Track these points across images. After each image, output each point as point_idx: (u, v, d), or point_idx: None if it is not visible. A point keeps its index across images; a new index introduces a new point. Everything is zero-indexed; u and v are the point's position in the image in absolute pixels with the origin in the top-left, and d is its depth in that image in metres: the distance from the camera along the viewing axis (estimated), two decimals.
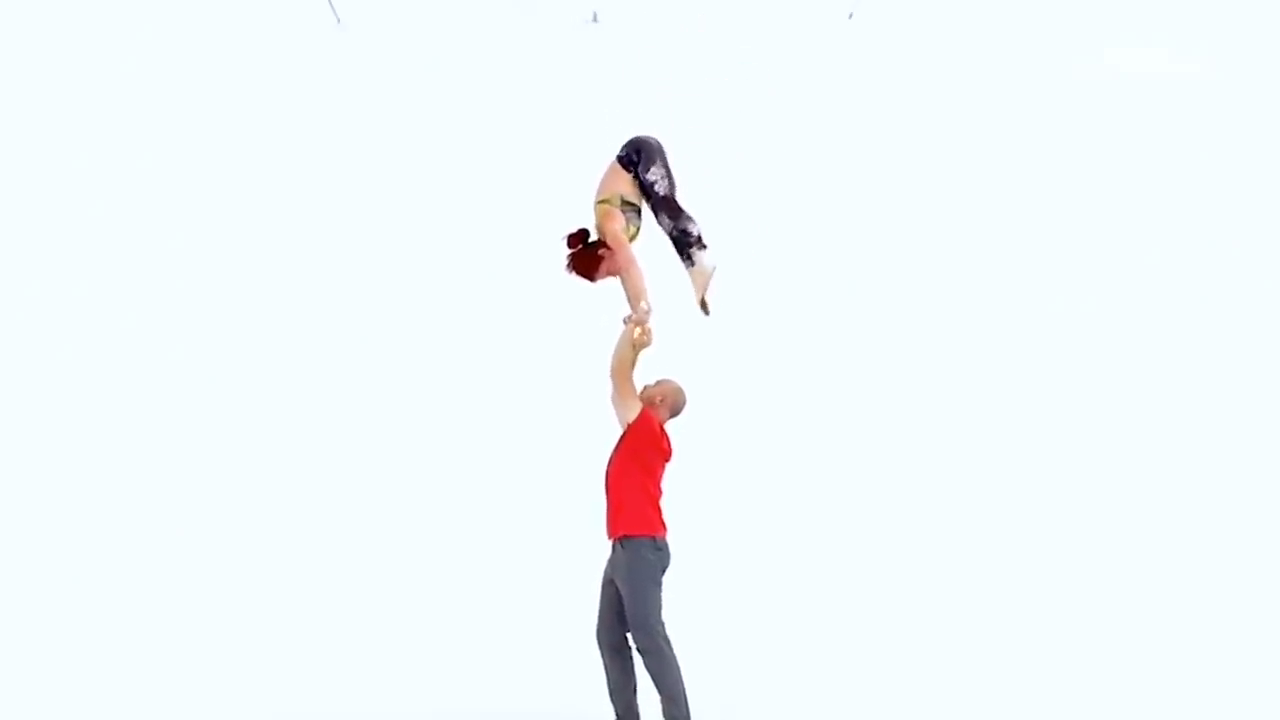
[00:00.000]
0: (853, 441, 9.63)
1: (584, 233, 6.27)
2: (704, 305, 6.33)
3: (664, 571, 5.96)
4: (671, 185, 6.29)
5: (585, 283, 6.29)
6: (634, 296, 6.09)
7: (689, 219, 6.27)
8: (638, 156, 6.29)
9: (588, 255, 6.24)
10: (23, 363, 9.62)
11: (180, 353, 9.76)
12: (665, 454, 6.09)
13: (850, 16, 10.61)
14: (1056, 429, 9.75)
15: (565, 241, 6.29)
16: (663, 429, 6.11)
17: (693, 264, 6.25)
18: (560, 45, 10.41)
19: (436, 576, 8.70)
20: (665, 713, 5.86)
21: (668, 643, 5.86)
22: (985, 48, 10.62)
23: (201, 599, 8.45)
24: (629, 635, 5.98)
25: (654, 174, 6.25)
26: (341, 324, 9.85)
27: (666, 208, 6.26)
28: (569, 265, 6.29)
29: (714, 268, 6.26)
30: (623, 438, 6.10)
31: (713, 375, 9.20)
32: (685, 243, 6.25)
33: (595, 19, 10.47)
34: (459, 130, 10.26)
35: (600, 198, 6.29)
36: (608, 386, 6.14)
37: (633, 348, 6.05)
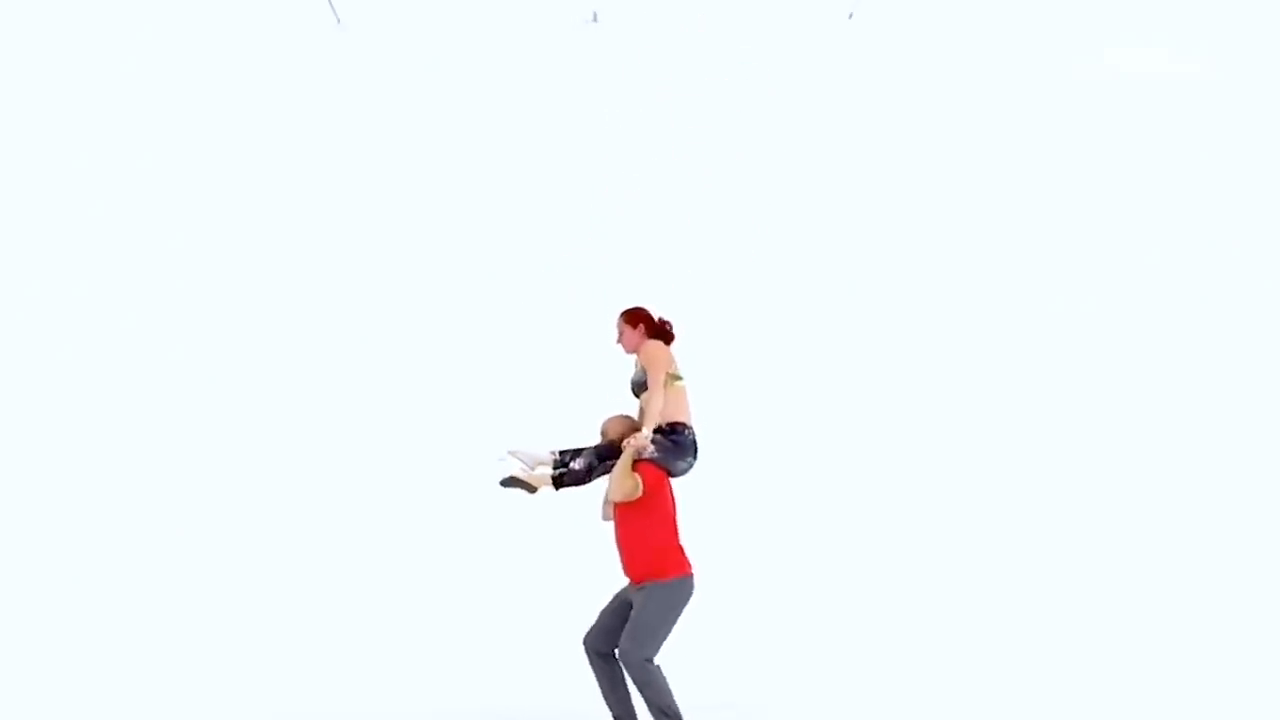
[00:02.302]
0: (853, 442, 9.64)
1: (666, 326, 6.26)
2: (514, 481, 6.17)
3: (685, 606, 5.93)
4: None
5: (618, 332, 6.24)
6: (648, 421, 6.02)
7: (588, 462, 6.09)
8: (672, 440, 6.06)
9: (650, 324, 6.22)
10: (23, 362, 9.62)
11: (180, 353, 9.76)
12: (670, 487, 6.02)
13: (850, 16, 10.60)
14: (1057, 429, 9.75)
15: (646, 313, 6.25)
16: (661, 473, 6.00)
17: (553, 478, 6.08)
18: (560, 45, 10.41)
19: (437, 577, 8.70)
20: (649, 706, 5.85)
21: (651, 662, 5.83)
22: (985, 48, 10.61)
23: (202, 599, 8.45)
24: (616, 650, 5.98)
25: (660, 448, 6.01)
26: (342, 324, 9.85)
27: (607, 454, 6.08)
28: (637, 316, 6.24)
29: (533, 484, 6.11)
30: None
31: (713, 375, 9.19)
32: (567, 462, 6.12)
33: (595, 19, 10.47)
34: (459, 130, 10.25)
35: (663, 375, 6.07)
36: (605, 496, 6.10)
37: (632, 452, 5.94)
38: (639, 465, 5.94)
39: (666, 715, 5.79)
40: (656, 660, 5.84)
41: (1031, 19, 10.66)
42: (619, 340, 6.26)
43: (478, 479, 9.21)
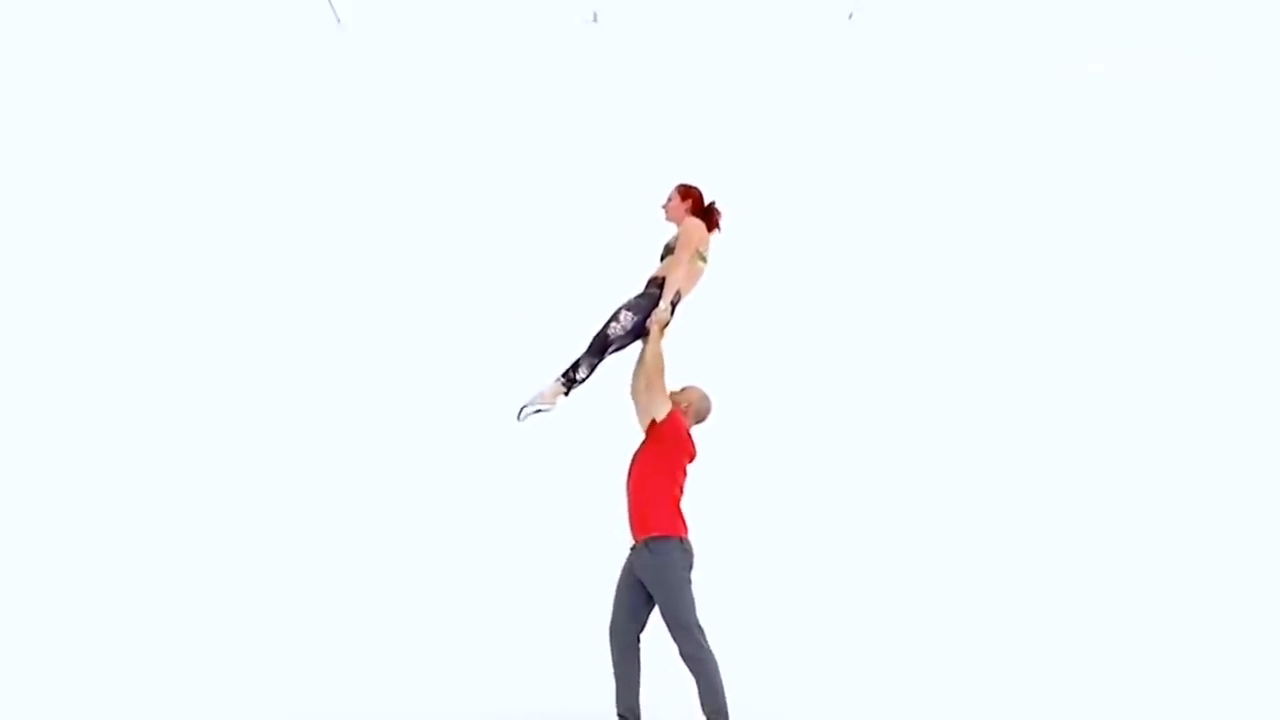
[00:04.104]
0: (853, 443, 9.63)
1: (711, 207, 6.47)
2: (521, 409, 6.16)
3: (690, 569, 5.98)
4: (621, 337, 6.19)
5: (667, 198, 6.46)
6: (667, 292, 6.21)
7: (590, 362, 6.15)
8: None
9: (699, 202, 6.45)
10: (23, 363, 9.61)
11: (182, 354, 9.75)
12: (691, 456, 6.10)
13: (850, 17, 10.61)
14: (1056, 432, 9.75)
15: (699, 192, 6.46)
16: (688, 432, 6.12)
17: (557, 381, 6.12)
18: (560, 45, 10.42)
19: (439, 577, 8.70)
20: (704, 703, 5.87)
21: (706, 640, 5.88)
22: (985, 49, 10.63)
23: (207, 600, 8.44)
24: (641, 635, 6.02)
25: (626, 322, 6.18)
26: (344, 324, 9.85)
27: (601, 343, 6.17)
28: (689, 192, 6.45)
29: (549, 403, 6.12)
30: (648, 439, 6.09)
31: (713, 375, 9.18)
32: (572, 373, 6.13)
33: (595, 19, 10.48)
34: (459, 130, 10.27)
35: (693, 250, 6.30)
36: (631, 383, 6.19)
37: (658, 328, 6.14)
38: (674, 412, 6.05)
39: (714, 693, 5.83)
40: (711, 646, 5.89)
41: (1031, 19, 10.68)
42: (665, 204, 6.49)
43: (479, 479, 9.27)
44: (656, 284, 6.28)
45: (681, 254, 6.26)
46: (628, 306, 6.21)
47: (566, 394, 6.14)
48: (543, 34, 10.44)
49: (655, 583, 5.90)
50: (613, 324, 6.17)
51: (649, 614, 6.02)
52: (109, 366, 9.66)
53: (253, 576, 8.71)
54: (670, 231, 6.48)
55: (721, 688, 5.86)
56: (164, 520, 9.14)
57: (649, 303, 6.21)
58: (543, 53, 10.41)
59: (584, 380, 6.17)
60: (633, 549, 6.02)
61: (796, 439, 9.62)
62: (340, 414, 9.59)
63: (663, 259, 6.38)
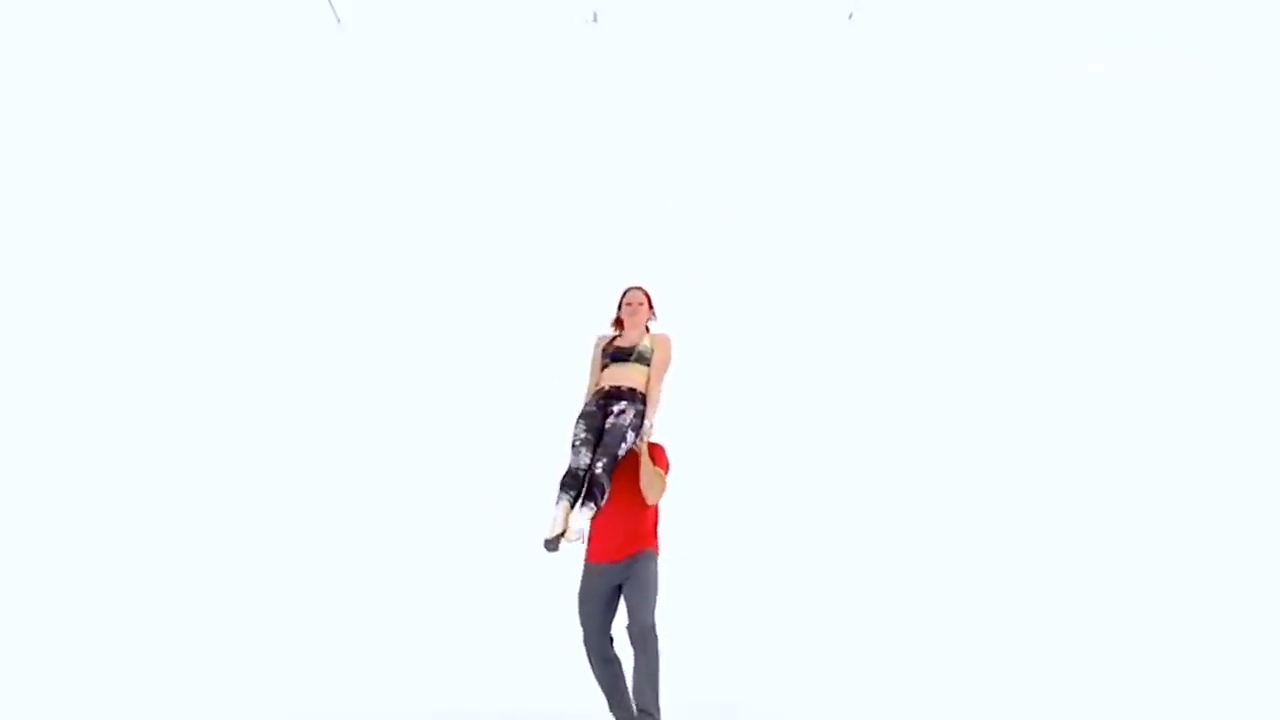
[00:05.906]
0: (847, 443, 9.63)
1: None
2: (556, 542, 6.10)
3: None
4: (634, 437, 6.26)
5: (638, 301, 6.53)
6: (651, 410, 6.33)
7: (609, 483, 6.15)
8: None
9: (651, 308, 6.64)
10: (24, 364, 9.61)
11: (181, 354, 9.75)
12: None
13: (850, 17, 10.61)
14: (1055, 433, 9.75)
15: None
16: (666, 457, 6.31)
17: (586, 507, 6.09)
18: (560, 45, 10.42)
19: (437, 577, 8.70)
20: (637, 697, 5.92)
21: (658, 643, 5.95)
22: (985, 49, 10.62)
23: (207, 599, 8.45)
24: (621, 632, 6.07)
25: (630, 441, 6.24)
26: (343, 325, 9.84)
27: (614, 463, 6.18)
28: (648, 298, 6.58)
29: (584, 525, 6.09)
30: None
31: (711, 375, 9.20)
32: (600, 497, 6.11)
33: (595, 19, 10.48)
34: (459, 130, 10.26)
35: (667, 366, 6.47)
36: (645, 495, 6.18)
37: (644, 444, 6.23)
38: (654, 448, 6.22)
39: (651, 688, 5.87)
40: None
41: (1031, 19, 10.67)
42: (636, 306, 6.52)
43: (478, 479, 9.27)
44: (601, 394, 6.30)
45: (661, 371, 6.40)
46: (631, 427, 6.23)
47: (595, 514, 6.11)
48: (543, 34, 10.44)
49: (641, 586, 5.99)
50: (623, 445, 6.18)
51: (613, 620, 6.13)
52: (108, 365, 9.65)
53: (252, 576, 8.71)
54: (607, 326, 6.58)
55: (658, 689, 5.90)
56: (163, 521, 9.14)
57: (640, 420, 6.26)
58: (543, 53, 10.41)
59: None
60: (622, 561, 6.05)
61: (796, 440, 9.62)
62: (339, 413, 9.59)
63: (614, 359, 6.39)
